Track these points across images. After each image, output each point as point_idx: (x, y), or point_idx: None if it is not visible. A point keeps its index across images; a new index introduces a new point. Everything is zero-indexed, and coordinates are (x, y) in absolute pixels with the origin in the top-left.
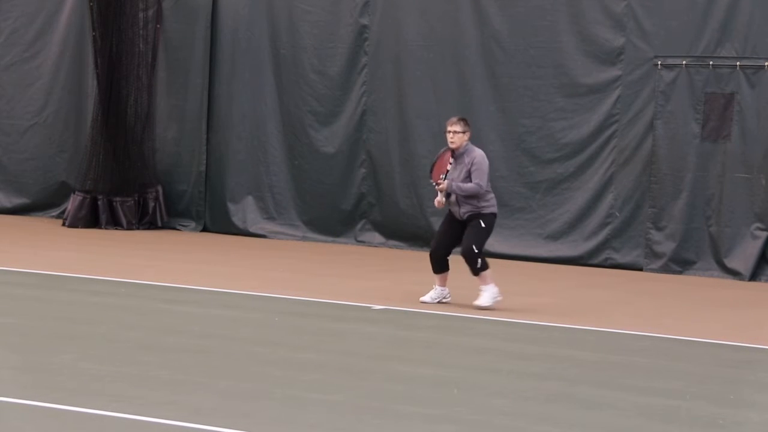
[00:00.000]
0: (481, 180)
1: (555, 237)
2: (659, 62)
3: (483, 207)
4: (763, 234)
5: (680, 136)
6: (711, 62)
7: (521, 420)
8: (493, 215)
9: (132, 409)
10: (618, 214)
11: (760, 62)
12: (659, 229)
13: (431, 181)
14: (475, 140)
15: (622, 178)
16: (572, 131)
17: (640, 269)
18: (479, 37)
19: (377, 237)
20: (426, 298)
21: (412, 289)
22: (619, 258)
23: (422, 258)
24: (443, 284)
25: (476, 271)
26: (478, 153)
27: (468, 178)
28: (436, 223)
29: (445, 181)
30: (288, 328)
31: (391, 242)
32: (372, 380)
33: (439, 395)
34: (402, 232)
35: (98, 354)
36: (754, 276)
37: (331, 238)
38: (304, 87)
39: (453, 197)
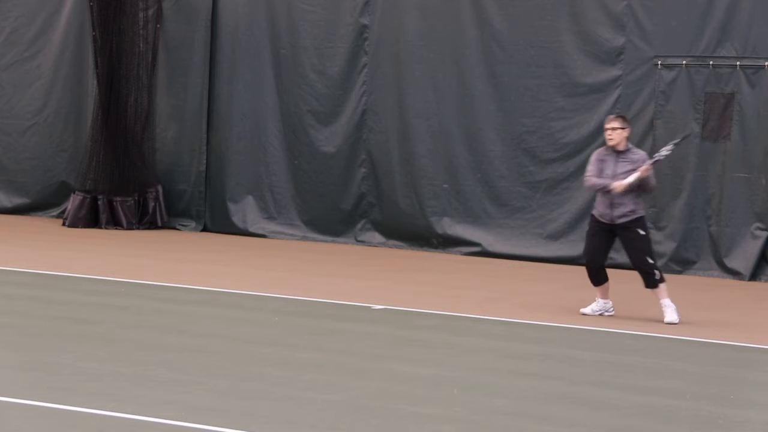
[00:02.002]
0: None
1: (555, 237)
2: (659, 62)
3: (637, 210)
4: (763, 234)
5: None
6: (711, 62)
7: (521, 420)
8: (644, 218)
9: (131, 408)
10: None
11: (760, 62)
12: (659, 228)
13: (609, 188)
14: (475, 140)
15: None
16: (572, 131)
17: None
18: (479, 37)
19: (377, 237)
20: (587, 310)
21: (412, 289)
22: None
23: (422, 258)
24: (605, 296)
25: (655, 283)
26: (644, 154)
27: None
28: (436, 223)
29: (621, 182)
30: (288, 328)
31: (391, 242)
32: (372, 380)
33: (439, 395)
34: (402, 232)
35: (98, 353)
36: (754, 276)
37: (331, 238)
38: (304, 87)
39: (606, 199)
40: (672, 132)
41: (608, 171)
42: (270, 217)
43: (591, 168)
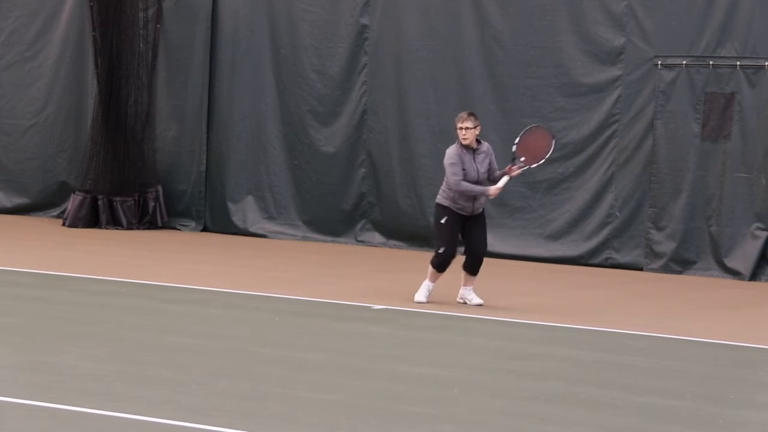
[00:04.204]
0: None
1: (555, 237)
2: (659, 62)
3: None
4: (763, 234)
5: (680, 135)
6: (711, 62)
7: (521, 420)
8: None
9: (131, 408)
10: (618, 214)
11: (760, 62)
12: (659, 229)
13: (524, 164)
14: None
15: (622, 178)
16: (572, 131)
17: (640, 269)
18: (479, 37)
19: (377, 237)
20: (422, 298)
21: (412, 289)
22: (619, 258)
23: (423, 258)
24: (435, 280)
25: (478, 272)
26: (487, 143)
27: (490, 169)
28: None
29: (497, 187)
30: (288, 328)
31: (391, 242)
32: (372, 380)
33: (439, 395)
34: (402, 232)
35: (98, 354)
36: (754, 276)
37: (331, 238)
38: (304, 87)
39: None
40: (672, 131)
41: (469, 169)
42: (270, 217)
43: (456, 170)
